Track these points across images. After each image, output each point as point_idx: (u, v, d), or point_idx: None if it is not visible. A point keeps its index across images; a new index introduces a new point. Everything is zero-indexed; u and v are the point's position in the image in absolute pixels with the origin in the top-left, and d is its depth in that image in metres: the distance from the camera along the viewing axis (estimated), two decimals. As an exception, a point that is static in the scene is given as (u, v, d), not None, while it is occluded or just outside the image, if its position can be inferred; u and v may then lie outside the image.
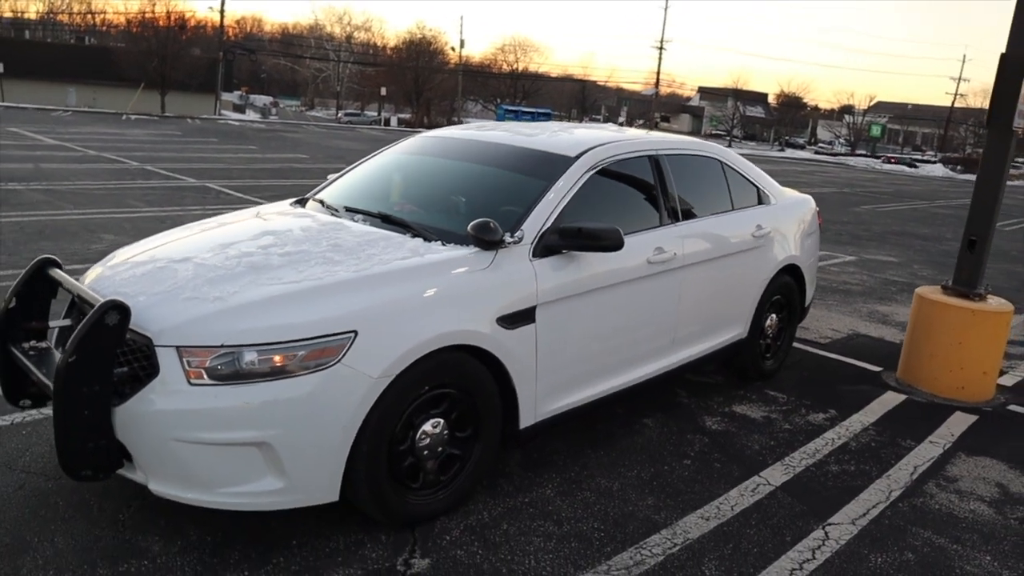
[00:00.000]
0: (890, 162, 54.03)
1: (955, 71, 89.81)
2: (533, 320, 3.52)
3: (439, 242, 3.54)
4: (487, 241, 3.42)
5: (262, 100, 66.64)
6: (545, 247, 3.62)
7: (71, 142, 19.91)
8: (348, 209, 4.09)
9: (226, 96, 55.52)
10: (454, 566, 3.07)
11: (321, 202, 4.33)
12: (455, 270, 3.35)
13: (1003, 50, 5.18)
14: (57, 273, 3.40)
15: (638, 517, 3.57)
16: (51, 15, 75.51)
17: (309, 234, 3.65)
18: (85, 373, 2.81)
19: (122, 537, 3.10)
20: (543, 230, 3.65)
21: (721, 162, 5.08)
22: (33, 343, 3.44)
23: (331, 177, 4.79)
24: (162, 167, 16.00)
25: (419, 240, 3.56)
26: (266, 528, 3.21)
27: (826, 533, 3.57)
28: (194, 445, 2.83)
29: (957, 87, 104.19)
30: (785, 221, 5.46)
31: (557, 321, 3.65)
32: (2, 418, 4.04)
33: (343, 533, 3.22)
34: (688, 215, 4.57)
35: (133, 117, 34.93)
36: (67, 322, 3.49)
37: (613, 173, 4.20)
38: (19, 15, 73.58)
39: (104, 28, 72.05)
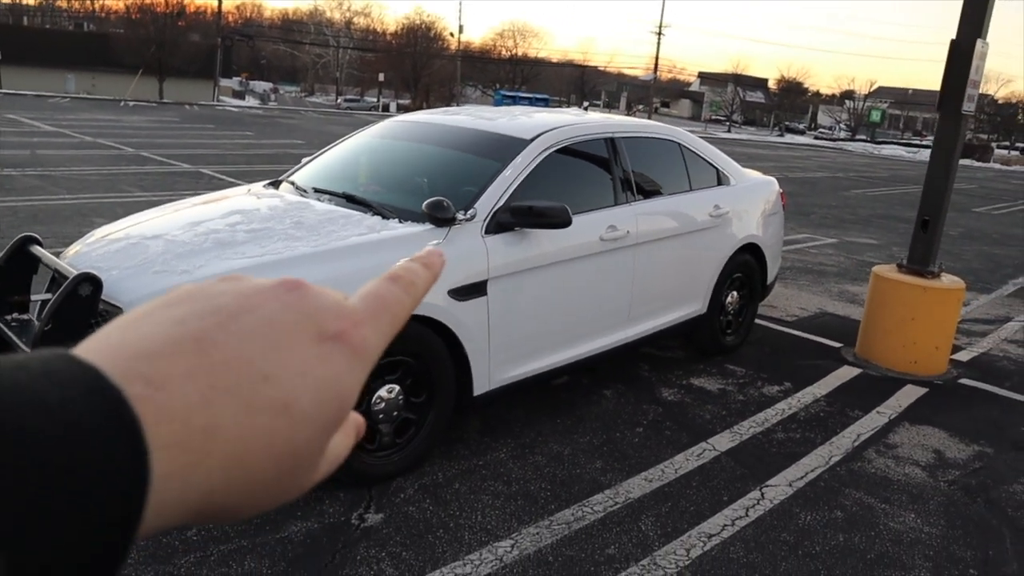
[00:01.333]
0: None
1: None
2: (485, 293, 3.74)
3: (396, 220, 3.75)
4: (440, 219, 3.63)
5: (262, 86, 66.67)
6: (497, 224, 3.84)
7: (68, 128, 20.10)
8: (316, 190, 4.30)
9: (225, 82, 55.63)
10: (405, 520, 3.31)
11: (292, 183, 4.55)
12: (408, 245, 3.57)
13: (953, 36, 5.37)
14: (37, 250, 3.62)
15: (584, 479, 3.80)
16: (49, 1, 75.47)
17: (275, 212, 3.87)
18: (60, 342, 3.03)
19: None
20: (495, 208, 3.86)
21: (680, 144, 5.28)
22: (15, 315, 3.66)
23: (305, 160, 5.01)
24: (157, 153, 16.20)
25: (377, 218, 3.78)
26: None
27: (762, 493, 3.80)
28: (161, 407, 3.05)
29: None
30: (745, 201, 5.66)
31: (509, 294, 3.87)
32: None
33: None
34: (644, 194, 4.78)
35: (131, 103, 35.08)
36: (48, 296, 3.71)
37: (569, 154, 4.41)
38: (17, 1, 73.58)
39: (103, 14, 72.01)
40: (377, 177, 4.48)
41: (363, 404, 3.42)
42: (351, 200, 4.06)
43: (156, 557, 2.94)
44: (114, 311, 3.17)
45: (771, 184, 6.16)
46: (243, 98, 55.27)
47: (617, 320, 4.65)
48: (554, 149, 4.30)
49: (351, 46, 73.97)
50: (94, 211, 9.52)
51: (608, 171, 4.62)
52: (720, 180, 5.54)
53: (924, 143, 61.26)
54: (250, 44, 69.62)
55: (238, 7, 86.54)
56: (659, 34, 62.71)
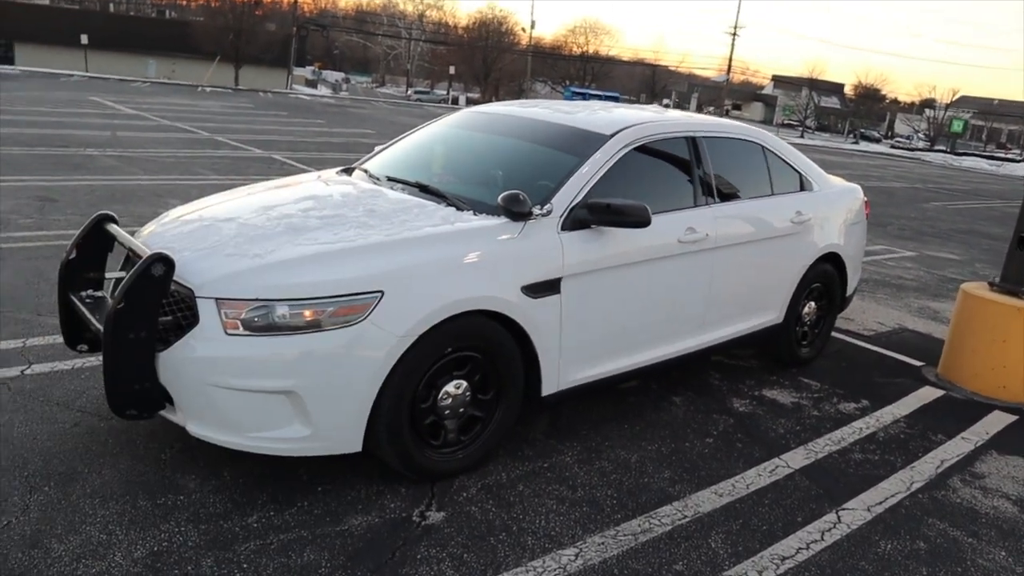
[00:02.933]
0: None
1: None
2: (558, 291, 3.63)
3: (471, 212, 3.67)
4: (516, 212, 3.53)
5: (334, 76, 67.61)
6: (574, 221, 3.72)
7: (148, 112, 20.63)
8: (389, 178, 4.24)
9: (299, 71, 56.56)
10: (467, 520, 3.22)
11: (365, 171, 4.50)
12: (483, 238, 3.48)
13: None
14: (113, 228, 3.64)
15: (652, 488, 3.66)
16: (135, -12, 77.66)
17: (348, 199, 3.82)
18: (132, 320, 3.03)
19: (163, 474, 3.33)
20: (573, 204, 3.74)
21: (763, 146, 5.09)
22: (90, 291, 3.69)
23: (378, 148, 4.96)
24: (231, 138, 16.49)
25: (451, 209, 3.69)
26: (294, 474, 3.41)
27: (839, 517, 3.61)
28: (228, 391, 3.03)
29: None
30: (828, 208, 5.43)
31: (583, 293, 3.75)
32: (64, 362, 4.33)
33: (365, 484, 3.39)
34: (724, 197, 4.61)
35: (208, 89, 35.90)
36: (122, 274, 3.73)
37: (649, 152, 4.26)
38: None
39: (184, 2, 73.90)
40: (451, 168, 4.40)
41: (430, 399, 3.34)
42: (424, 190, 3.98)
43: (216, 543, 2.91)
44: (185, 291, 3.15)
45: (855, 192, 5.90)
46: (315, 87, 56.14)
47: (691, 326, 4.49)
48: (634, 146, 4.15)
49: (423, 38, 74.50)
50: (169, 192, 9.70)
51: (688, 171, 4.45)
52: (803, 185, 5.32)
53: (1009, 156, 58.99)
54: (324, 34, 70.66)
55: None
56: (734, 35, 61.65)
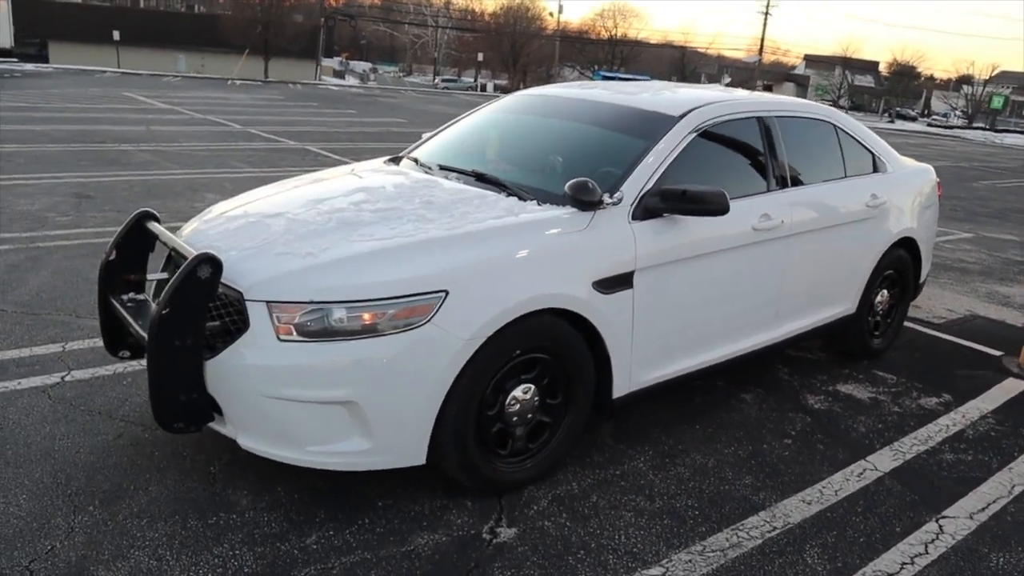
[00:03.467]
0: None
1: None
2: (631, 285, 3.36)
3: (535, 202, 3.40)
4: (585, 202, 3.26)
5: (362, 66, 67.50)
6: (645, 209, 3.45)
7: (180, 106, 20.58)
8: (442, 167, 3.99)
9: (327, 62, 56.50)
10: (541, 537, 2.97)
11: (415, 160, 4.25)
12: (550, 231, 3.21)
13: None
14: (154, 226, 3.43)
15: (735, 497, 3.39)
16: (163, -17, 78.06)
17: (401, 191, 3.57)
18: (178, 326, 2.81)
19: (213, 490, 3.12)
20: (644, 192, 3.47)
21: (835, 125, 4.76)
22: (132, 295, 3.48)
23: (426, 135, 4.71)
24: (264, 130, 16.35)
25: (514, 199, 3.43)
26: (353, 488, 3.18)
27: (940, 526, 3.32)
28: (282, 402, 2.80)
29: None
30: (902, 191, 5.09)
31: (656, 287, 3.47)
32: (105, 368, 4.14)
33: (429, 498, 3.16)
34: (797, 181, 4.30)
35: (238, 82, 35.90)
36: (164, 275, 3.51)
37: (718, 134, 3.96)
38: (134, -16, 76.41)
39: (213, -4, 74.11)
40: (507, 155, 4.13)
41: (497, 406, 3.09)
42: (481, 179, 3.72)
43: (274, 568, 2.69)
44: (233, 294, 2.92)
45: (928, 172, 5.55)
46: (343, 77, 56.07)
47: (766, 319, 4.19)
48: (703, 128, 3.86)
49: (450, 26, 74.13)
50: (205, 186, 9.54)
51: (760, 154, 4.15)
52: (876, 167, 4.99)
53: (1051, 132, 57.34)
54: (352, 24, 70.55)
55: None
56: (766, 13, 60.52)
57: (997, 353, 5.64)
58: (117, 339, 3.51)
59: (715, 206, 3.39)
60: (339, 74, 58.45)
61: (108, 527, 2.84)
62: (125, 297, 3.45)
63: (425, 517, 3.03)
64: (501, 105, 4.67)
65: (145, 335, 3.07)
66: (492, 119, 4.52)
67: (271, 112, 21.20)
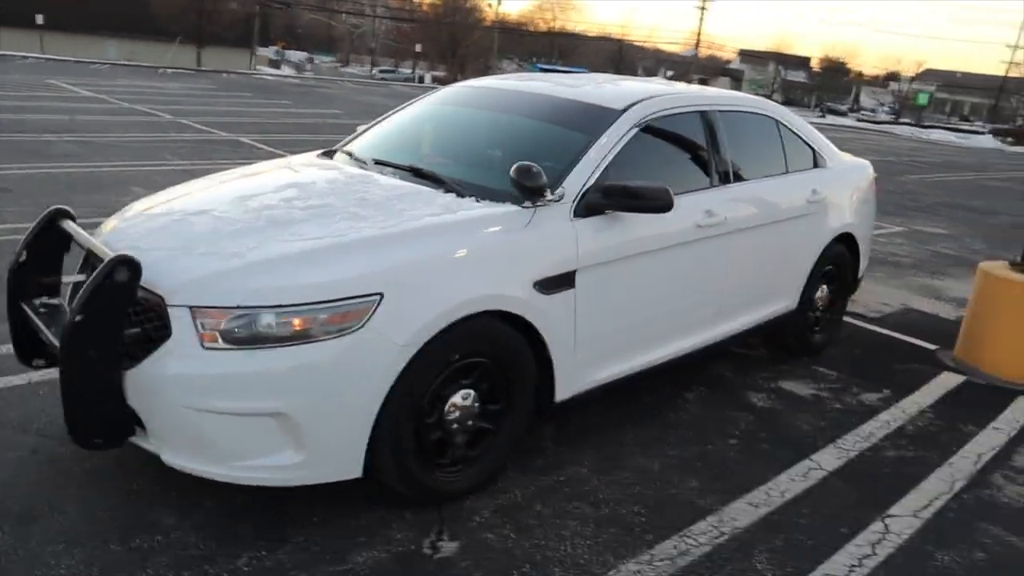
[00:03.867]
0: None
1: (1011, 37, 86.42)
2: (573, 285, 3.26)
3: (473, 198, 3.27)
4: (529, 188, 3.12)
5: (297, 56, 66.19)
6: (587, 206, 3.35)
7: (107, 94, 19.82)
8: (377, 162, 3.83)
9: (262, 51, 55.26)
10: (484, 550, 2.85)
11: (349, 154, 4.08)
12: (489, 229, 3.09)
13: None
14: (69, 225, 3.20)
15: (681, 501, 3.32)
16: (90, -33, 75.36)
17: (335, 187, 3.41)
18: (93, 334, 2.61)
19: (135, 509, 2.93)
20: (586, 188, 3.37)
21: (776, 120, 4.74)
22: (44, 299, 3.24)
23: (360, 128, 4.53)
24: (195, 120, 15.83)
25: (452, 196, 3.30)
26: (286, 504, 3.01)
27: (886, 526, 3.30)
28: (207, 414, 2.62)
29: (1012, 55, 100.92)
30: (841, 187, 5.11)
31: (599, 287, 3.38)
32: (19, 376, 3.87)
33: (366, 511, 3.01)
34: (740, 177, 4.25)
35: (170, 71, 34.79)
36: (81, 277, 3.28)
37: (661, 129, 3.89)
38: (58, -33, 73.62)
39: (142, -19, 71.81)
40: (445, 149, 3.99)
41: (435, 413, 2.96)
42: (418, 174, 3.57)
43: (200, 591, 2.52)
44: (154, 299, 2.73)
45: (866, 168, 5.60)
46: (279, 67, 54.91)
47: (710, 317, 4.15)
48: (646, 122, 3.78)
49: (388, 16, 73.26)
50: (132, 179, 9.15)
51: (703, 149, 4.09)
52: (816, 162, 4.99)
53: (974, 128, 59.35)
54: (289, 11, 69.13)
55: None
56: (702, 8, 61.22)
57: (932, 347, 5.72)
58: (29, 347, 3.26)
59: (659, 203, 3.31)
60: (275, 64, 57.25)
61: (19, 554, 2.62)
62: (37, 302, 3.21)
63: (363, 532, 2.89)
64: (438, 97, 4.52)
65: (54, 341, 2.86)
66: (429, 111, 4.37)
67: (203, 102, 20.56)
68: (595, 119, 3.68)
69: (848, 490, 3.56)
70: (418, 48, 56.94)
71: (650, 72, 75.14)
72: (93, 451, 3.13)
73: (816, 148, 5.00)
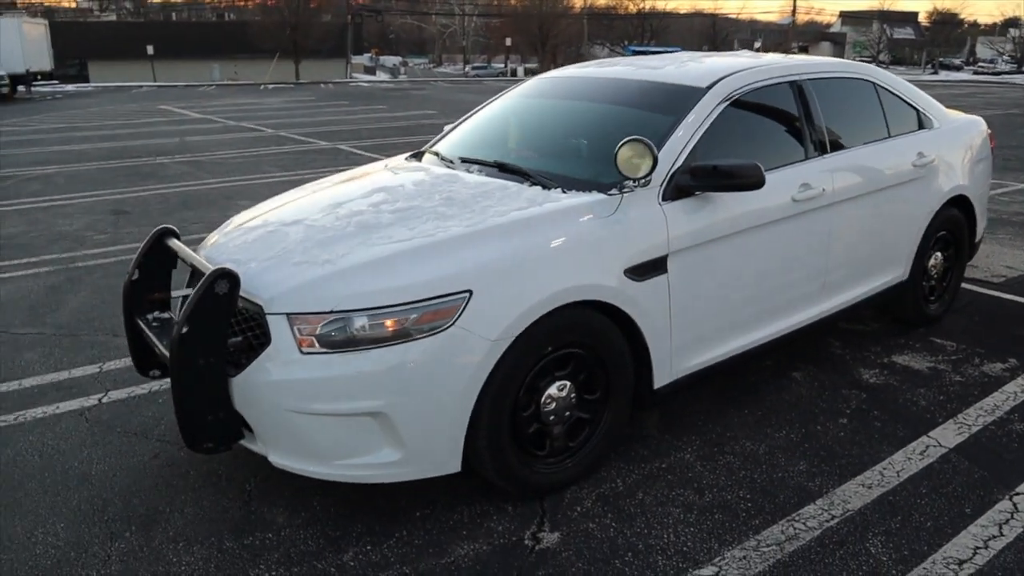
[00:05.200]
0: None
1: None
2: (665, 270, 3.20)
3: (559, 189, 3.26)
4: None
5: (391, 60, 67.64)
6: (676, 188, 3.28)
7: (214, 114, 20.78)
8: (463, 160, 3.86)
9: (356, 59, 56.65)
10: (586, 540, 2.84)
11: (437, 154, 4.13)
12: (576, 219, 3.07)
13: None
14: (173, 243, 3.37)
15: (789, 485, 3.22)
16: (193, -5, 79.09)
17: (421, 188, 3.45)
18: (199, 344, 2.74)
19: (248, 508, 3.06)
20: (673, 170, 3.30)
21: (874, 83, 4.51)
22: (157, 314, 3.43)
23: (447, 128, 4.58)
24: (295, 132, 16.41)
25: (537, 188, 3.29)
26: (391, 500, 3.08)
27: (1015, 505, 3.11)
28: (308, 416, 2.71)
29: None
30: (951, 147, 4.83)
31: (692, 270, 3.31)
32: (141, 387, 4.12)
33: (467, 505, 3.05)
34: (837, 146, 4.08)
35: (270, 86, 36.21)
36: (188, 291, 3.46)
37: (750, 103, 3.77)
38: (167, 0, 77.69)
39: (241, 3, 74.91)
40: (530, 142, 3.99)
41: (531, 406, 2.97)
42: (504, 169, 3.59)
43: (312, 586, 2.61)
44: (253, 308, 2.84)
45: (978, 124, 5.26)
46: (374, 73, 56.21)
47: (811, 293, 4.00)
48: (734, 98, 3.66)
49: (476, 13, 73.79)
50: (239, 193, 9.57)
51: (796, 120, 3.94)
52: (921, 123, 4.72)
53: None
54: (378, 19, 70.64)
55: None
56: (797, -26, 58.97)
57: (1063, 311, 5.35)
58: (146, 359, 3.46)
59: (749, 180, 3.21)
60: (370, 70, 58.64)
61: (144, 553, 2.79)
62: (150, 316, 3.40)
63: (464, 526, 2.93)
64: (520, 91, 4.52)
65: (166, 352, 3.02)
66: (512, 105, 4.38)
67: (302, 114, 21.29)
68: (680, 99, 3.60)
69: (971, 468, 3.37)
70: (508, 42, 57.13)
71: (746, 44, 73.03)
72: (203, 454, 3.30)
73: (920, 109, 4.74)
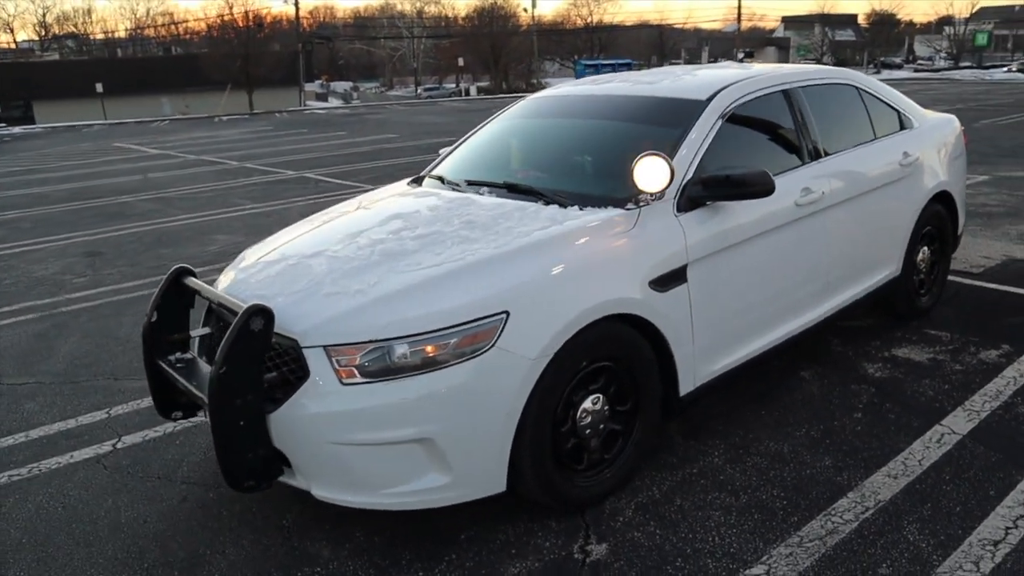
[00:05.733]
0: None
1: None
2: (685, 280, 3.27)
3: (576, 207, 3.32)
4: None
5: (342, 86, 67.49)
6: (689, 200, 3.36)
7: (172, 149, 20.55)
8: (470, 183, 3.91)
9: (308, 87, 56.43)
10: (635, 549, 2.88)
11: (439, 179, 4.17)
12: (599, 235, 3.13)
13: None
14: (193, 282, 3.35)
15: (819, 480, 3.30)
16: (138, 31, 78.34)
17: (438, 213, 3.49)
18: (237, 383, 2.73)
19: (290, 544, 3.04)
20: (685, 182, 3.38)
21: (857, 87, 4.66)
22: (178, 355, 3.40)
23: (444, 151, 4.62)
24: (259, 163, 16.29)
25: (554, 207, 3.35)
26: (431, 525, 3.09)
27: (1034, 484, 3.22)
28: (353, 447, 2.72)
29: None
30: (931, 145, 4.99)
31: (709, 278, 3.39)
32: (154, 430, 4.07)
33: (510, 523, 3.07)
34: (831, 150, 4.20)
35: (224, 118, 35.87)
36: (206, 330, 3.44)
37: (748, 113, 3.87)
38: (110, 34, 76.75)
39: (187, 36, 74.34)
40: (535, 162, 4.04)
41: (568, 421, 3.01)
42: (514, 190, 3.64)
43: (371, 617, 2.61)
44: (287, 342, 2.84)
45: (952, 122, 5.45)
46: (326, 99, 56.04)
47: (816, 292, 4.10)
48: (733, 109, 3.76)
49: (425, 35, 74.05)
50: (214, 228, 9.48)
51: (791, 127, 4.06)
52: (903, 124, 4.89)
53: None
54: (329, 46, 70.53)
55: (311, 12, 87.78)
56: (739, -19, 60.20)
57: (1045, 295, 5.54)
58: (168, 401, 3.43)
59: (760, 188, 3.30)
60: (321, 97, 58.47)
61: (193, 597, 2.77)
62: (172, 358, 3.36)
63: (512, 545, 2.95)
64: (515, 111, 4.58)
65: (199, 394, 3.00)
66: (510, 127, 4.43)
67: (262, 144, 21.14)
68: (682, 112, 3.69)
69: (987, 452, 3.48)
70: (461, 61, 57.40)
71: (693, 53, 74.22)
72: (241, 492, 3.27)
73: (900, 110, 4.91)
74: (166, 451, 3.87)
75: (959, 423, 3.76)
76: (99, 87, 40.28)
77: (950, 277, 5.94)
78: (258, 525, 3.19)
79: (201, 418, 3.47)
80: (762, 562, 2.79)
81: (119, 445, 3.96)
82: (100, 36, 75.00)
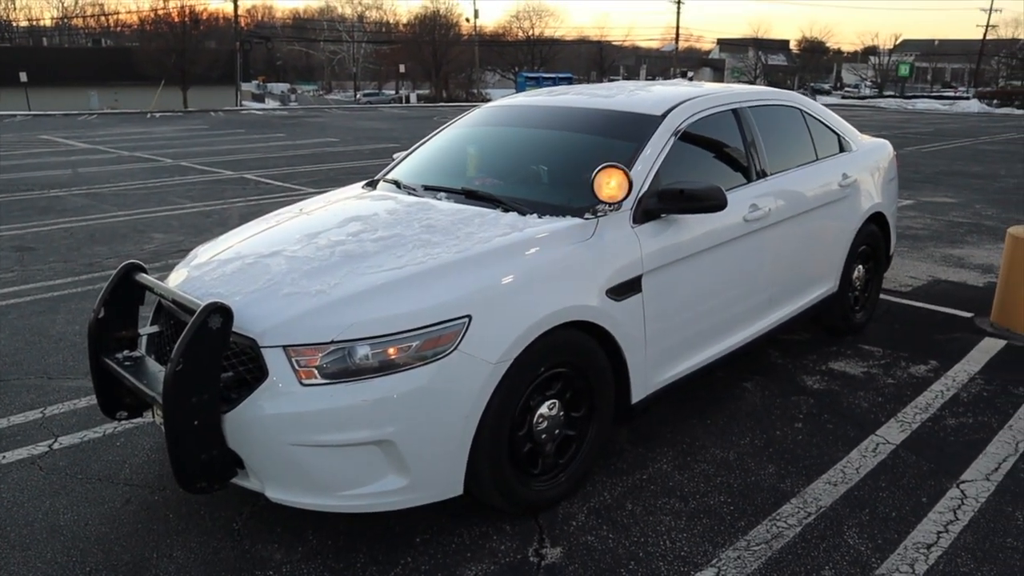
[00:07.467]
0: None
1: (985, 1, 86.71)
2: (640, 290, 3.35)
3: (535, 215, 3.36)
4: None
5: (279, 88, 66.40)
6: (644, 212, 3.44)
7: (102, 144, 19.95)
8: (427, 188, 3.92)
9: (245, 86, 55.42)
10: (588, 553, 2.93)
11: (395, 183, 4.17)
12: (559, 243, 3.18)
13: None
14: (144, 278, 3.27)
15: (763, 487, 3.41)
16: (65, 19, 75.77)
17: (397, 217, 3.49)
18: (193, 382, 2.69)
19: (241, 547, 3.00)
20: (641, 194, 3.46)
21: (800, 110, 4.84)
22: (126, 352, 3.32)
23: (398, 156, 4.63)
24: (196, 162, 15.95)
25: (514, 214, 3.39)
26: (386, 528, 3.09)
27: (963, 492, 3.38)
28: (312, 448, 2.70)
29: (988, 18, 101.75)
30: (868, 168, 5.21)
31: (662, 288, 3.47)
32: (93, 430, 3.96)
33: (465, 527, 3.09)
34: (776, 169, 4.35)
35: (157, 115, 34.97)
36: (155, 328, 3.37)
37: (700, 130, 3.98)
38: (34, 22, 74.09)
39: (119, 29, 72.25)
40: (494, 169, 4.07)
41: (525, 425, 3.04)
42: (472, 196, 3.67)
43: (327, 619, 2.59)
44: (245, 342, 2.81)
45: (886, 147, 5.69)
46: (262, 100, 55.06)
47: (761, 306, 4.23)
48: (686, 125, 3.87)
49: (366, 40, 73.53)
50: (149, 226, 9.25)
51: (740, 145, 4.18)
52: (842, 146, 5.09)
53: (959, 95, 59.57)
54: (268, 46, 69.44)
55: (249, 11, 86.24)
56: (679, 2, 61.55)
57: (967, 314, 5.82)
58: (113, 400, 3.34)
59: (713, 202, 3.40)
60: (258, 97, 57.39)
61: (141, 600, 2.70)
62: (120, 356, 3.28)
63: (467, 548, 2.96)
64: (471, 119, 4.62)
65: (150, 392, 2.94)
66: (467, 134, 4.46)
67: (198, 143, 20.69)
68: (637, 127, 3.77)
69: (919, 461, 3.64)
70: (402, 68, 57.16)
71: (631, 70, 75.38)
72: (188, 494, 3.21)
73: (840, 133, 5.11)
74: (106, 452, 3.76)
75: (893, 433, 3.92)
76: (23, 76, 38.79)
77: (881, 296, 6.20)
78: (207, 528, 3.13)
79: (146, 419, 3.39)
80: (712, 565, 2.87)
81: (55, 446, 3.84)
82: (24, 24, 72.30)
